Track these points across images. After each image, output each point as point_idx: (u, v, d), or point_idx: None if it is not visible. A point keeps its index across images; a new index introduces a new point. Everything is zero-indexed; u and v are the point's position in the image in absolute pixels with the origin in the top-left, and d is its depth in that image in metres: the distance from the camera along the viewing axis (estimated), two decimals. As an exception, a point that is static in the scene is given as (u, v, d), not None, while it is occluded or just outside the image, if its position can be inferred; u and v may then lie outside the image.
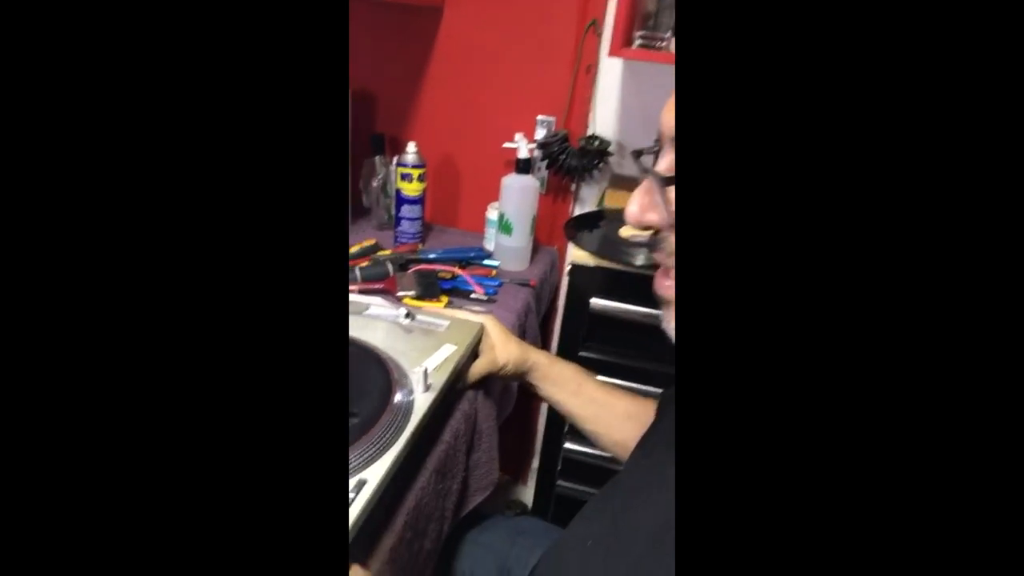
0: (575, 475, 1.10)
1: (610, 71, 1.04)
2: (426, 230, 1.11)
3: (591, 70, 1.03)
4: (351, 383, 0.54)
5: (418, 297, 0.87)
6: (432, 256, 0.96)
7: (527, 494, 1.43)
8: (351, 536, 0.40)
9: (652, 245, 0.40)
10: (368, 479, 0.44)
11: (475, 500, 0.71)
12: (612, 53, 0.84)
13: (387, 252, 0.97)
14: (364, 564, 0.45)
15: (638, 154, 0.43)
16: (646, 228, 0.39)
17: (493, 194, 1.02)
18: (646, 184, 0.39)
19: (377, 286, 0.87)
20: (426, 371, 0.55)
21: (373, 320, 0.67)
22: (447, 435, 0.61)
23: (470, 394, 0.68)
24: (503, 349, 0.68)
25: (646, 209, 0.38)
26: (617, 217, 0.98)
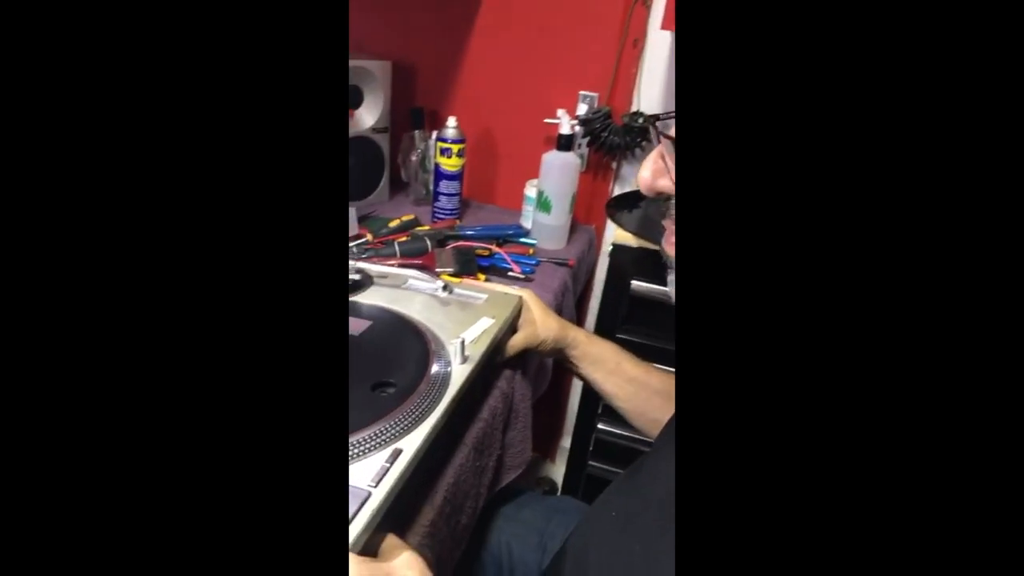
0: (606, 456, 1.08)
1: (658, 45, 1.00)
2: (463, 206, 1.10)
3: (638, 44, 1.00)
4: (389, 353, 0.54)
5: (456, 274, 0.86)
6: (470, 233, 0.95)
7: (556, 472, 1.42)
8: (386, 506, 0.39)
9: (664, 212, 0.39)
10: (404, 449, 0.43)
11: (508, 477, 0.70)
12: (665, 27, 0.81)
13: (425, 228, 0.96)
14: (402, 537, 0.45)
15: (654, 119, 0.42)
16: (659, 194, 0.38)
17: (532, 171, 1.00)
18: (660, 149, 0.37)
19: (415, 261, 0.86)
20: (463, 342, 0.54)
21: (412, 293, 0.67)
22: (485, 412, 0.60)
23: (507, 372, 0.67)
24: (543, 324, 0.67)
25: (659, 175, 0.37)
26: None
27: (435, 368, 0.52)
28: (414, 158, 1.08)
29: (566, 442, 1.20)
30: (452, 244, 0.91)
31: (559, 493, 1.30)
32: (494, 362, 0.65)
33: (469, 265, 0.88)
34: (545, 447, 1.44)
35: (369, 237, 0.90)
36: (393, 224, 0.94)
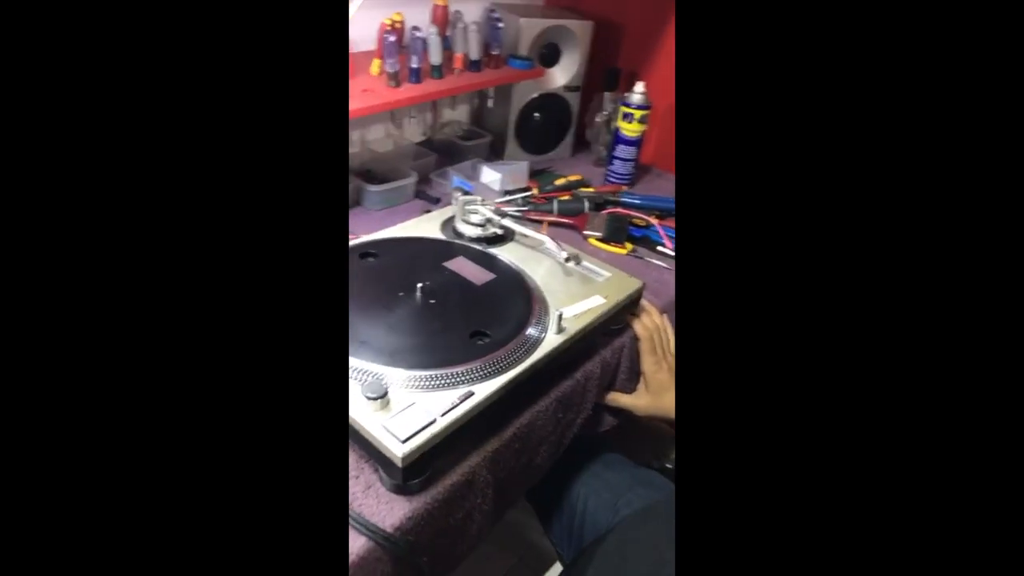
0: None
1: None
2: (639, 173, 1.11)
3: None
4: (497, 307, 0.63)
5: (603, 239, 0.91)
6: (630, 201, 0.97)
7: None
8: (445, 434, 0.49)
9: None
10: (476, 392, 0.52)
11: (601, 429, 0.76)
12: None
13: (590, 189, 1.01)
14: (466, 457, 0.55)
15: None
16: None
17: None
18: None
19: (566, 220, 0.93)
20: (560, 315, 0.60)
21: (542, 256, 0.74)
22: (579, 374, 0.67)
23: (615, 346, 0.72)
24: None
25: None
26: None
27: (529, 331, 0.60)
28: (599, 119, 1.11)
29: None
30: (609, 209, 0.95)
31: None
32: (602, 331, 0.70)
33: (619, 233, 0.91)
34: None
35: (535, 191, 0.98)
36: (559, 182, 1.01)
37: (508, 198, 0.95)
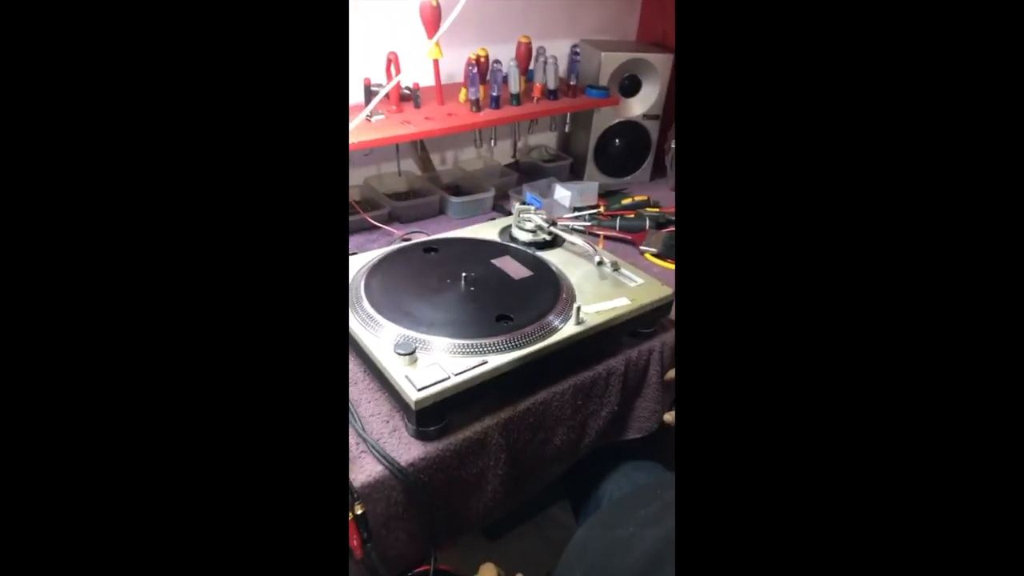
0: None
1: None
2: (712, 197, 1.14)
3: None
4: (528, 298, 0.71)
5: (658, 255, 0.96)
6: (691, 222, 1.01)
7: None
8: (456, 391, 0.59)
9: None
10: (489, 362, 0.61)
11: (630, 435, 0.81)
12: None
13: (655, 210, 1.06)
14: (479, 419, 0.64)
15: None
16: None
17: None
18: None
19: (626, 236, 0.99)
20: (578, 308, 0.68)
21: (583, 261, 0.81)
22: (600, 367, 0.73)
23: (643, 348, 0.77)
24: None
25: None
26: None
27: (550, 318, 0.68)
28: (674, 146, 1.17)
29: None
30: (669, 228, 1.00)
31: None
32: (628, 331, 0.76)
33: (673, 250, 0.96)
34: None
35: (602, 208, 1.06)
36: (625, 201, 1.08)
37: (576, 214, 1.04)
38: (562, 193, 1.08)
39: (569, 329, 0.67)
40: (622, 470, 0.86)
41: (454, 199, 1.04)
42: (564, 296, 0.72)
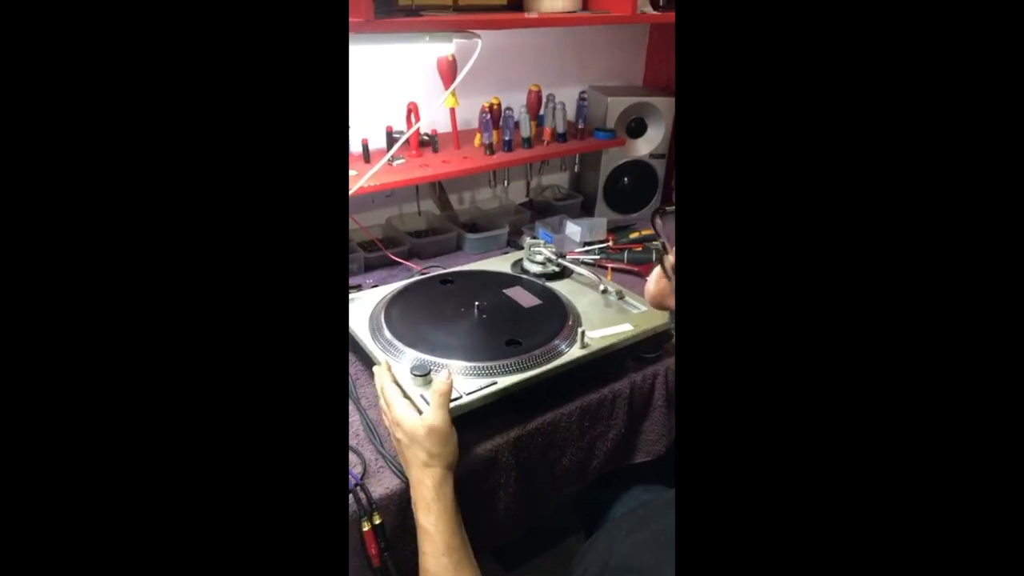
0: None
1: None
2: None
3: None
4: (536, 323, 0.76)
5: (664, 285, 1.00)
6: (696, 254, 1.06)
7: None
8: (467, 409, 0.63)
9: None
10: (498, 383, 0.66)
11: (639, 459, 0.84)
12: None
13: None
14: (489, 437, 0.68)
15: (659, 212, 0.46)
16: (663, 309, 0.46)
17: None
18: (664, 267, 0.45)
19: (634, 268, 1.04)
20: (582, 332, 0.72)
21: (588, 289, 0.86)
22: (605, 389, 0.77)
23: (647, 372, 0.81)
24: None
25: (665, 295, 0.45)
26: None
27: (556, 342, 0.72)
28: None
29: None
30: (675, 261, 1.04)
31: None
32: (631, 356, 0.80)
33: (679, 282, 1.00)
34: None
35: (610, 243, 1.11)
36: (633, 235, 1.13)
37: (587, 248, 1.09)
38: (573, 229, 1.14)
39: (574, 352, 0.72)
40: (631, 493, 0.88)
41: (470, 235, 1.10)
42: (570, 322, 0.77)
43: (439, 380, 0.61)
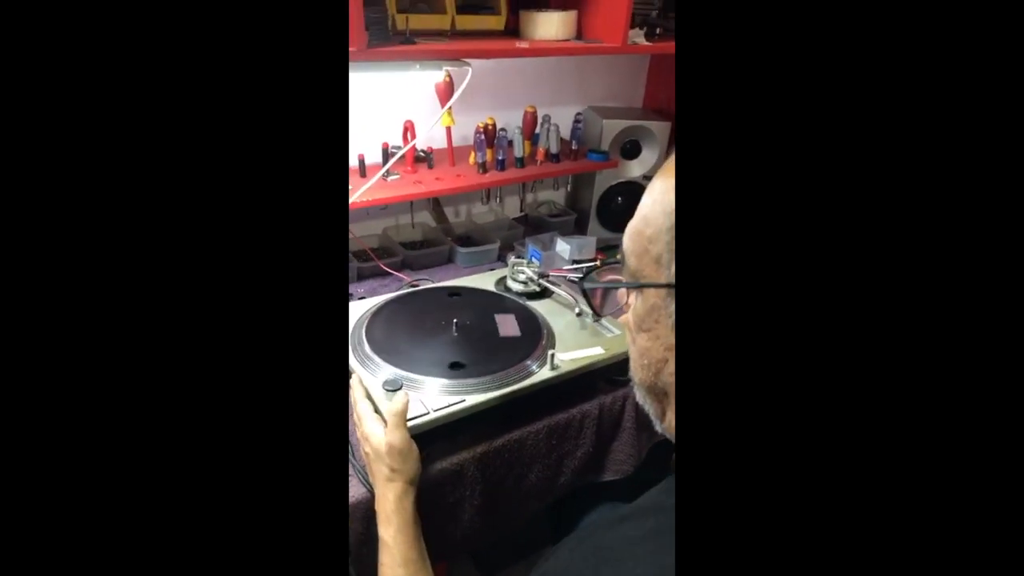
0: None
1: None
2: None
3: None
4: (509, 345, 0.79)
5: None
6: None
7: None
8: (433, 425, 0.67)
9: None
10: (467, 400, 0.69)
11: (607, 477, 0.87)
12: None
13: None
14: (456, 452, 0.71)
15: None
16: None
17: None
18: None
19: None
20: (552, 355, 0.75)
21: (566, 310, 0.89)
22: (575, 410, 0.80)
23: (618, 394, 0.84)
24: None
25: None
26: None
27: (527, 363, 0.76)
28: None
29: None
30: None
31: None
32: (603, 378, 0.83)
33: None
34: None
35: (598, 262, 1.14)
36: (619, 256, 1.15)
37: (575, 266, 1.12)
38: (562, 246, 1.17)
39: (544, 374, 0.75)
40: (600, 510, 0.91)
41: (461, 249, 1.13)
42: (543, 343, 0.80)
43: (396, 400, 0.64)
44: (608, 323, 0.86)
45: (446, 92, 1.01)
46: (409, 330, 0.81)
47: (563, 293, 0.91)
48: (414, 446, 0.64)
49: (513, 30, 1.04)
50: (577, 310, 0.86)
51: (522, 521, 0.82)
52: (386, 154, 1.03)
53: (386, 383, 0.68)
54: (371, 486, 0.65)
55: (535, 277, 0.93)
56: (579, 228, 1.31)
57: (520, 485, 0.78)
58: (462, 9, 0.99)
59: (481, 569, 1.27)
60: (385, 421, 0.64)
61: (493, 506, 0.76)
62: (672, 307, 0.40)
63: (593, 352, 0.79)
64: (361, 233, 1.15)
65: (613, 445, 0.87)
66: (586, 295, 0.51)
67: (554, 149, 1.14)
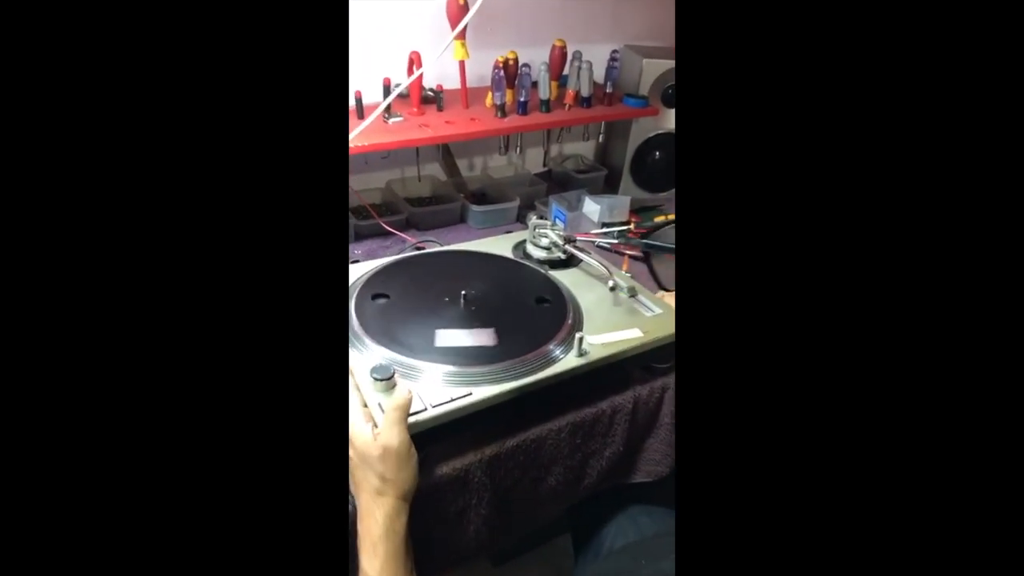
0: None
1: None
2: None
3: None
4: (528, 323, 0.66)
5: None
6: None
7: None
8: (434, 423, 0.54)
9: None
10: (474, 393, 0.56)
11: (637, 479, 0.74)
12: None
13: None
14: (462, 454, 0.59)
15: None
16: None
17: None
18: None
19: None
20: (580, 339, 0.61)
21: (597, 283, 0.75)
22: (604, 404, 0.67)
23: (656, 385, 0.70)
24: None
25: None
26: None
27: (549, 347, 0.62)
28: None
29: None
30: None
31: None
32: (640, 365, 0.69)
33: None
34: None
35: (632, 226, 0.99)
36: (658, 219, 1.00)
37: (605, 230, 0.97)
38: (591, 207, 1.01)
39: (570, 361, 0.61)
40: (629, 513, 0.78)
41: (475, 208, 0.99)
42: (570, 322, 0.66)
43: (399, 392, 0.51)
44: (647, 300, 0.72)
45: (459, 17, 0.84)
46: (409, 303, 0.68)
47: (593, 262, 0.77)
48: (414, 451, 0.51)
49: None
50: (611, 283, 0.71)
51: (535, 527, 0.71)
52: (387, 92, 0.88)
53: (374, 370, 0.55)
54: (352, 500, 0.53)
55: (560, 242, 0.78)
56: (610, 186, 1.15)
57: (536, 490, 0.66)
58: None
59: (491, 557, 1.17)
60: (375, 420, 0.52)
61: (503, 514, 0.64)
62: None
63: (629, 335, 0.65)
64: (360, 186, 1.00)
65: (647, 443, 0.74)
66: (648, 261, 0.41)
67: (585, 92, 0.97)
